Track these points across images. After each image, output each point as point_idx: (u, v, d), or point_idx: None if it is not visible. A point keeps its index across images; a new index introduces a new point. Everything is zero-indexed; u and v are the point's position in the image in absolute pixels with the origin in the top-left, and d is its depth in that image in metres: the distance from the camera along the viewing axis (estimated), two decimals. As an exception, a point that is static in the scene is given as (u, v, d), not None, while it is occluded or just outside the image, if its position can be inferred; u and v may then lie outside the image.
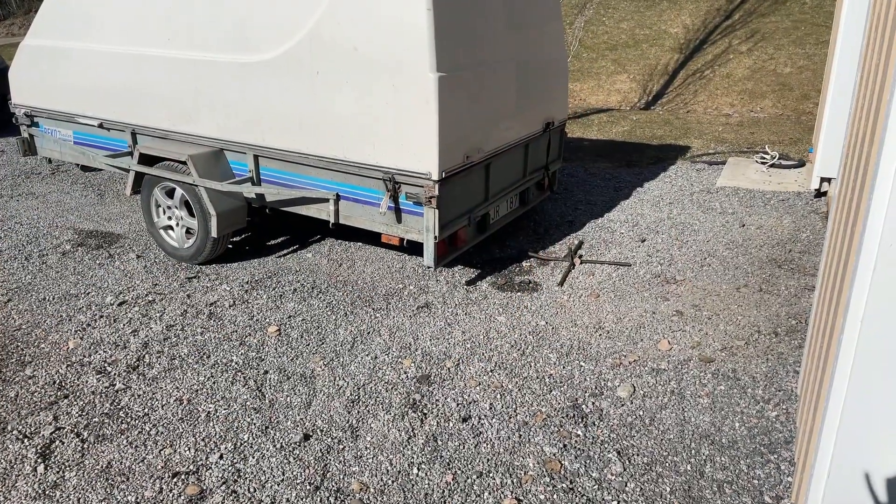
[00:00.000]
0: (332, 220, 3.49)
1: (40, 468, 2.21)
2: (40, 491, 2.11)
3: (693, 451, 2.32)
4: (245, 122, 3.59)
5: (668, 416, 2.52)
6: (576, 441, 2.38)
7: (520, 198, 4.06)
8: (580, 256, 3.97)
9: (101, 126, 4.14)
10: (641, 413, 2.54)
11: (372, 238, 3.95)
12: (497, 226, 3.84)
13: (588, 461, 2.27)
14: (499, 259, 3.99)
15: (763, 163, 5.63)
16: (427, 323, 3.23)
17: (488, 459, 2.27)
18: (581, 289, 3.58)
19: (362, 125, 3.22)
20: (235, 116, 3.61)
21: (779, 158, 5.59)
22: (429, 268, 3.28)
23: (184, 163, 3.66)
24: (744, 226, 4.37)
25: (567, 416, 2.52)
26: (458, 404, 2.58)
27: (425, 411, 2.53)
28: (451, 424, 2.46)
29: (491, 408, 2.56)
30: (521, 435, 2.40)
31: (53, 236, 4.29)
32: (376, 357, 2.92)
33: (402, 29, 2.99)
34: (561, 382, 2.73)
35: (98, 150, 4.24)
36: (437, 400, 2.61)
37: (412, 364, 2.87)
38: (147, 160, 3.87)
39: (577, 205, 4.89)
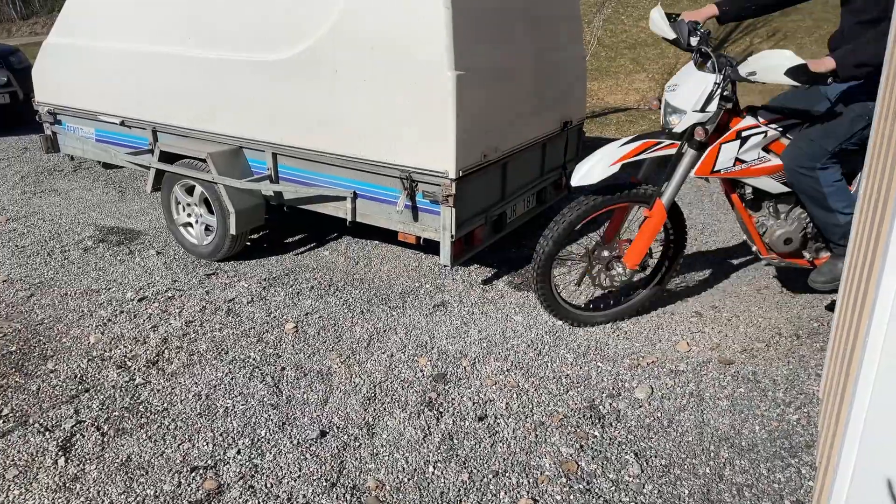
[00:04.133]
0: (349, 219, 3.50)
1: (61, 461, 2.25)
2: (61, 483, 2.14)
3: (712, 454, 2.29)
4: (263, 121, 3.61)
5: (687, 418, 2.49)
6: (593, 442, 2.36)
7: (537, 197, 4.04)
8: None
9: (122, 124, 4.19)
10: (660, 415, 2.51)
11: (388, 236, 3.95)
12: (514, 225, 3.82)
13: (605, 462, 2.25)
14: (515, 258, 3.98)
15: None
16: (443, 321, 3.23)
17: (504, 459, 2.27)
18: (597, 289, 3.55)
19: (379, 123, 3.22)
20: (254, 115, 3.63)
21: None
22: (445, 266, 3.27)
23: (203, 160, 3.70)
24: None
25: (584, 416, 2.50)
26: (473, 403, 2.57)
27: (441, 410, 2.53)
28: (466, 423, 2.45)
29: (507, 407, 2.55)
30: (537, 435, 2.39)
31: (75, 232, 4.36)
32: (392, 355, 2.93)
33: (421, 27, 2.99)
34: (578, 383, 2.72)
35: (119, 148, 4.29)
36: (452, 399, 2.61)
37: (428, 362, 2.87)
38: (167, 158, 3.91)
39: (594, 204, 4.85)
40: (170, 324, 3.17)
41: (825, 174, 2.60)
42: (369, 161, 3.30)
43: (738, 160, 2.78)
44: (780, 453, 2.29)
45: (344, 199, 3.48)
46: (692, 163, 2.81)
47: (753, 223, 3.02)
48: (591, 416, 2.50)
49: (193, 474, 2.18)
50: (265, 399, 2.60)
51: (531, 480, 2.17)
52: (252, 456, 2.27)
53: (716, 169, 2.80)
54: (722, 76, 2.63)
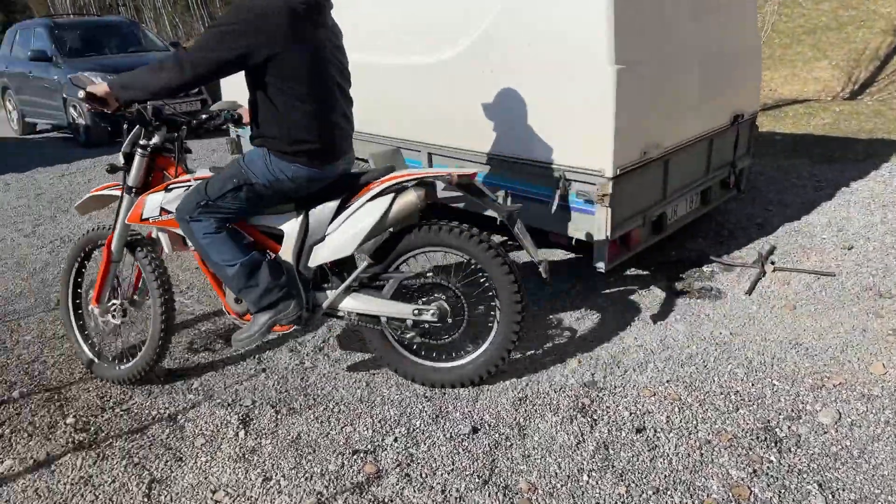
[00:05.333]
0: (499, 218, 3.50)
1: (241, 434, 2.48)
2: (240, 454, 2.36)
3: (918, 496, 1.97)
4: (419, 122, 3.73)
5: (882, 448, 2.18)
6: (767, 467, 2.14)
7: (701, 197, 3.77)
8: (772, 263, 3.58)
9: (295, 128, 4.55)
10: (849, 443, 2.22)
11: (538, 236, 3.90)
12: (675, 226, 3.60)
13: (783, 491, 2.03)
14: (676, 262, 3.74)
15: None
16: (596, 326, 3.11)
17: (665, 476, 2.13)
18: (774, 299, 3.23)
19: (534, 121, 3.18)
20: (411, 116, 3.77)
21: None
22: (599, 269, 3.15)
23: (366, 160, 3.90)
24: None
25: (757, 438, 2.28)
26: (630, 413, 2.45)
27: (595, 417, 2.44)
28: (623, 434, 2.34)
29: (668, 421, 2.40)
30: (702, 453, 2.22)
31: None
32: (542, 357, 2.88)
33: (581, 20, 2.91)
34: (749, 401, 2.48)
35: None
36: (607, 407, 2.50)
37: (580, 367, 2.78)
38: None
39: (767, 205, 4.43)
40: (333, 314, 3.38)
41: (197, 226, 2.44)
42: (521, 160, 3.28)
43: (163, 210, 2.60)
44: None
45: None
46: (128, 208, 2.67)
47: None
48: (765, 438, 2.27)
49: (355, 457, 2.30)
50: (419, 391, 2.68)
51: (696, 501, 2.01)
52: (408, 445, 2.35)
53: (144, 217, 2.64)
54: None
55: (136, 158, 2.61)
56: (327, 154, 2.40)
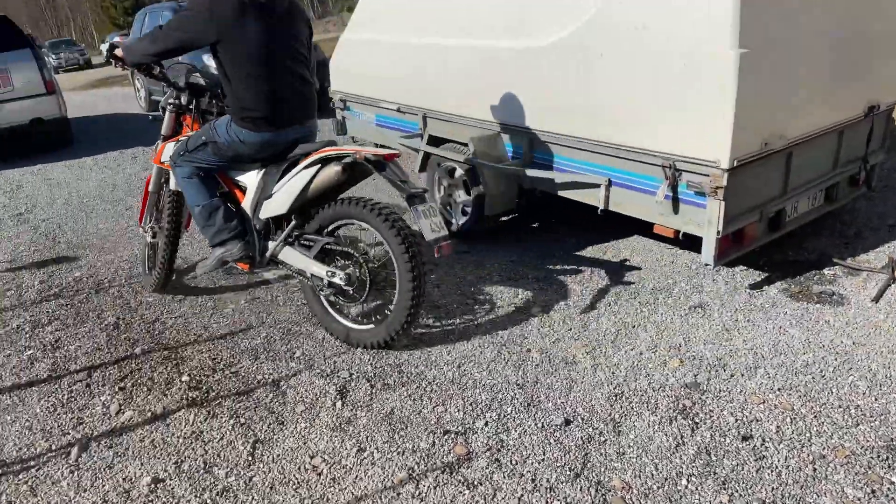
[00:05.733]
0: (601, 207, 3.40)
1: (338, 404, 2.57)
2: (337, 424, 2.45)
3: None
4: (522, 106, 3.67)
5: None
6: (888, 489, 1.96)
7: (826, 193, 3.48)
8: (904, 269, 3.25)
9: (398, 110, 4.62)
10: None
11: (640, 227, 3.76)
12: (793, 224, 3.35)
13: (909, 519, 1.85)
14: (793, 263, 3.49)
15: None
16: (700, 325, 2.96)
17: (773, 488, 2.00)
18: (904, 308, 2.94)
19: (644, 107, 3.05)
20: (513, 100, 3.72)
21: None
22: (707, 265, 2.99)
23: (465, 144, 3.90)
24: None
25: (878, 457, 2.09)
26: (736, 420, 2.32)
27: (697, 420, 2.33)
28: (727, 441, 2.22)
29: (778, 431, 2.25)
30: (815, 468, 2.06)
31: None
32: (641, 353, 2.78)
33: (701, 1, 2.74)
34: (871, 417, 2.28)
35: (394, 132, 4.74)
36: (710, 410, 2.38)
37: (681, 366, 2.66)
38: (434, 141, 4.21)
39: (901, 206, 4.03)
40: (429, 294, 3.42)
41: (178, 170, 3.03)
42: (628, 147, 3.16)
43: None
44: None
45: (597, 186, 3.39)
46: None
47: None
48: (888, 458, 2.08)
49: (446, 437, 2.33)
50: (510, 377, 2.66)
51: (807, 520, 1.88)
52: (498, 430, 2.34)
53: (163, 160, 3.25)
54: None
55: (166, 114, 3.27)
56: (272, 122, 2.81)
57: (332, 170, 2.74)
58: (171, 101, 3.24)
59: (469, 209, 4.02)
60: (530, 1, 3.52)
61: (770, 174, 3.08)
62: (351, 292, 2.85)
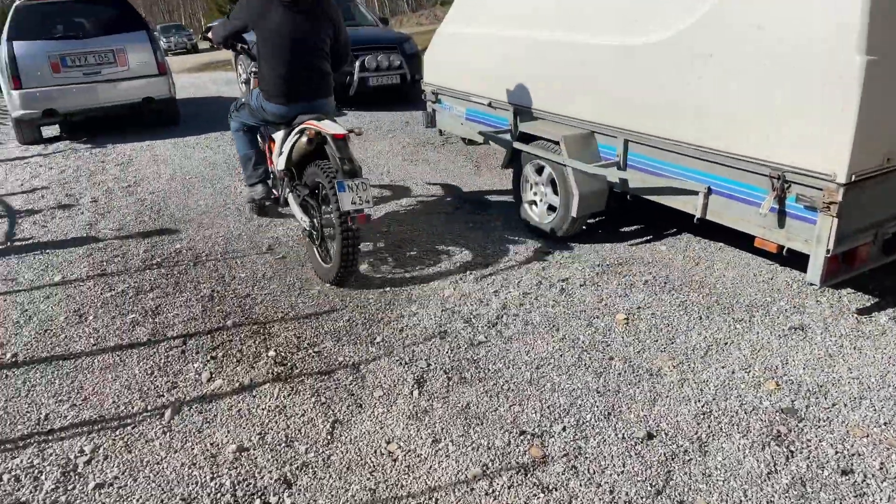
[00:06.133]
0: (697, 215, 3.25)
1: (415, 393, 2.59)
2: (413, 413, 2.47)
3: None
4: (619, 106, 3.56)
5: None
6: None
7: (954, 217, 3.17)
8: None
9: (489, 105, 4.60)
10: None
11: (737, 239, 3.57)
12: (914, 248, 3.07)
13: None
14: (908, 289, 3.21)
15: None
16: (800, 348, 2.78)
17: (877, 531, 1.85)
18: None
19: (753, 113, 2.88)
20: (610, 99, 3.61)
21: None
22: (811, 285, 2.80)
23: (556, 143, 3.83)
24: None
25: None
26: (836, 452, 2.16)
27: (792, 448, 2.18)
28: (825, 473, 2.07)
29: (882, 468, 2.08)
30: (927, 516, 1.89)
31: (445, 200, 4.99)
32: (733, 372, 2.64)
33: (827, 1, 2.55)
34: None
35: (484, 126, 4.72)
36: (808, 439, 2.23)
37: (778, 390, 2.50)
38: (524, 138, 4.16)
39: None
40: (509, 292, 3.40)
41: (232, 124, 4.17)
42: (733, 154, 2.99)
43: None
44: None
45: (695, 193, 3.24)
46: None
47: None
48: None
49: (522, 437, 2.30)
50: (590, 384, 2.60)
51: (916, 571, 1.72)
52: (577, 437, 2.29)
53: None
54: None
55: (250, 82, 4.09)
56: (281, 97, 3.57)
57: (301, 140, 3.50)
58: (252, 70, 4.03)
59: (556, 208, 3.95)
60: (637, -2, 3.41)
61: (890, 192, 2.84)
62: (314, 236, 3.54)
